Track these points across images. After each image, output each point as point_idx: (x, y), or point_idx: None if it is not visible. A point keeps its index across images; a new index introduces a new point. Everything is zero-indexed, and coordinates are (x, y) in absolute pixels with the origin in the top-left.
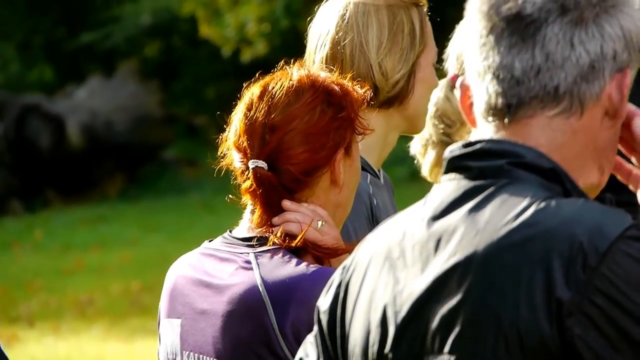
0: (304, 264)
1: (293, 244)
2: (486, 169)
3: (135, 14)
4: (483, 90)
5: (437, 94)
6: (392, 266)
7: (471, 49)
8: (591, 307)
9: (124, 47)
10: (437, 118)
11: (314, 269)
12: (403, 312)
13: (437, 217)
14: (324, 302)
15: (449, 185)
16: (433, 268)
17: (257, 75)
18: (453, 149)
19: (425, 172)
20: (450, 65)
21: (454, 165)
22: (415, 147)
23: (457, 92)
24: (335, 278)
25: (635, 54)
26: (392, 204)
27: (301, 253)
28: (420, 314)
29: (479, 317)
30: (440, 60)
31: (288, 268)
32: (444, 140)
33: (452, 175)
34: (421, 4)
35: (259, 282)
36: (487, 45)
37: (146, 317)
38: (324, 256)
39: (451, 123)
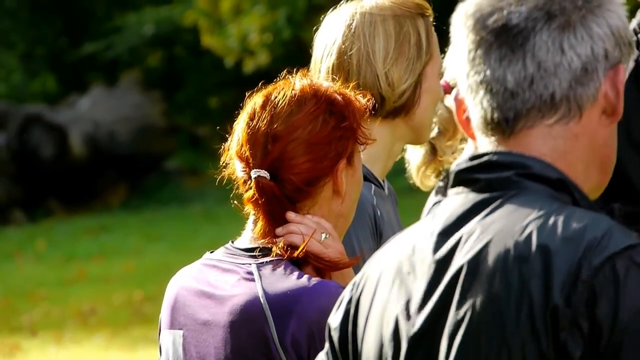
0: (305, 277)
1: (295, 255)
2: (494, 181)
3: (137, 24)
4: (477, 105)
5: None
6: (403, 281)
7: (460, 65)
8: (582, 321)
9: (126, 57)
10: None
11: (315, 282)
12: (415, 327)
13: (445, 231)
14: (334, 319)
15: (457, 199)
16: (442, 281)
17: (259, 85)
18: (460, 162)
19: (412, 171)
20: (446, 74)
21: (461, 179)
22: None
23: (451, 104)
24: (346, 295)
25: (625, 48)
26: (395, 215)
27: (303, 264)
28: (431, 328)
29: (483, 328)
30: None
31: (290, 280)
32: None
33: (460, 188)
34: (427, 14)
35: (260, 293)
36: (477, 60)
37: (148, 327)
38: (325, 268)
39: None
